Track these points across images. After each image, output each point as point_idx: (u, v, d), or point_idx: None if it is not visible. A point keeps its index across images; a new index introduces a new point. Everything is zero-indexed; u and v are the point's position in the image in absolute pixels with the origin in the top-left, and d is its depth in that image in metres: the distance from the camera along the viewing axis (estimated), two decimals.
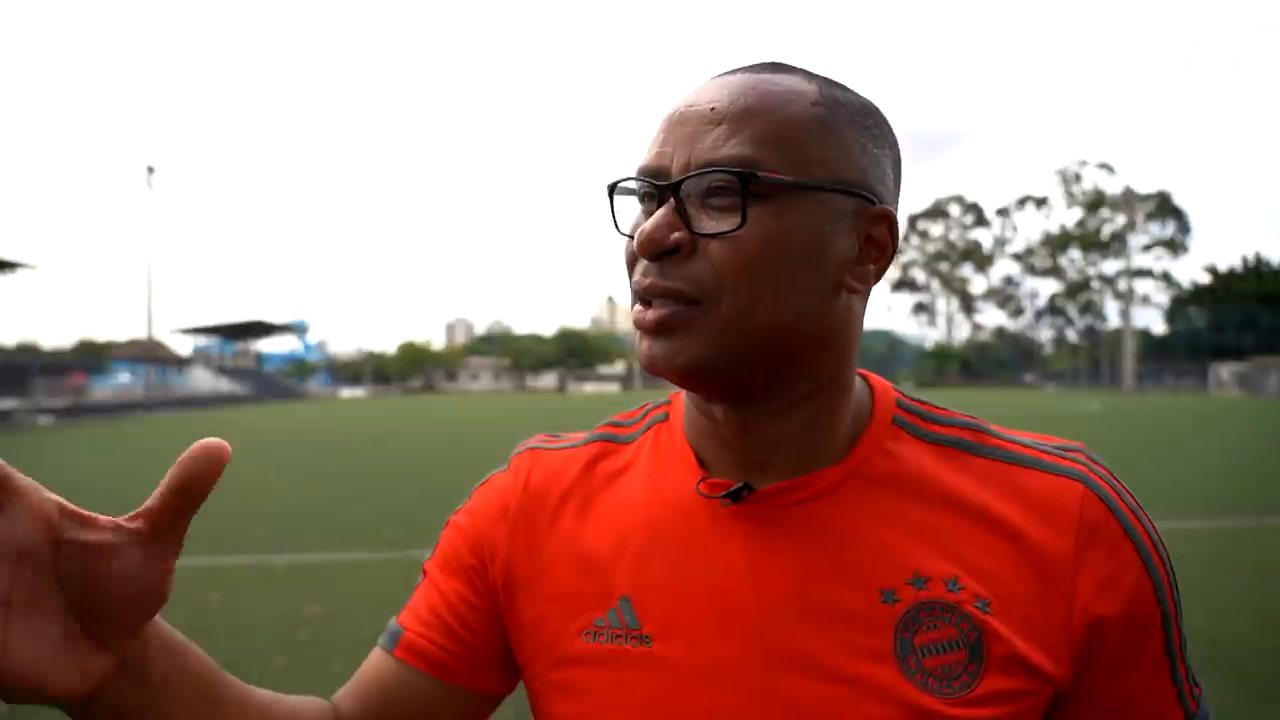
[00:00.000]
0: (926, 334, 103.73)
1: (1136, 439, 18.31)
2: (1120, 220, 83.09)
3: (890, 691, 0.59)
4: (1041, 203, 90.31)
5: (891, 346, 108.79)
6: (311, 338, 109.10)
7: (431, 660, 0.74)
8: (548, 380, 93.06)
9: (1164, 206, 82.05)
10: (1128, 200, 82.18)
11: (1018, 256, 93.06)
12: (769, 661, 0.62)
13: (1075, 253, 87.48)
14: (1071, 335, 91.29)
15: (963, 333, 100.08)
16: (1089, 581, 0.61)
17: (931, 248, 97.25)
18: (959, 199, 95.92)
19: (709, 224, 0.60)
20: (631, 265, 0.64)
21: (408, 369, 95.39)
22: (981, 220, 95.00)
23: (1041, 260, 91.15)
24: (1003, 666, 0.60)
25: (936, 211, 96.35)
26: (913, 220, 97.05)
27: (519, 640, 0.73)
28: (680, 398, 0.74)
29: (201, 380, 56.36)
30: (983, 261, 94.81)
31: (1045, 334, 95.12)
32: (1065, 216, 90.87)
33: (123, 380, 47.88)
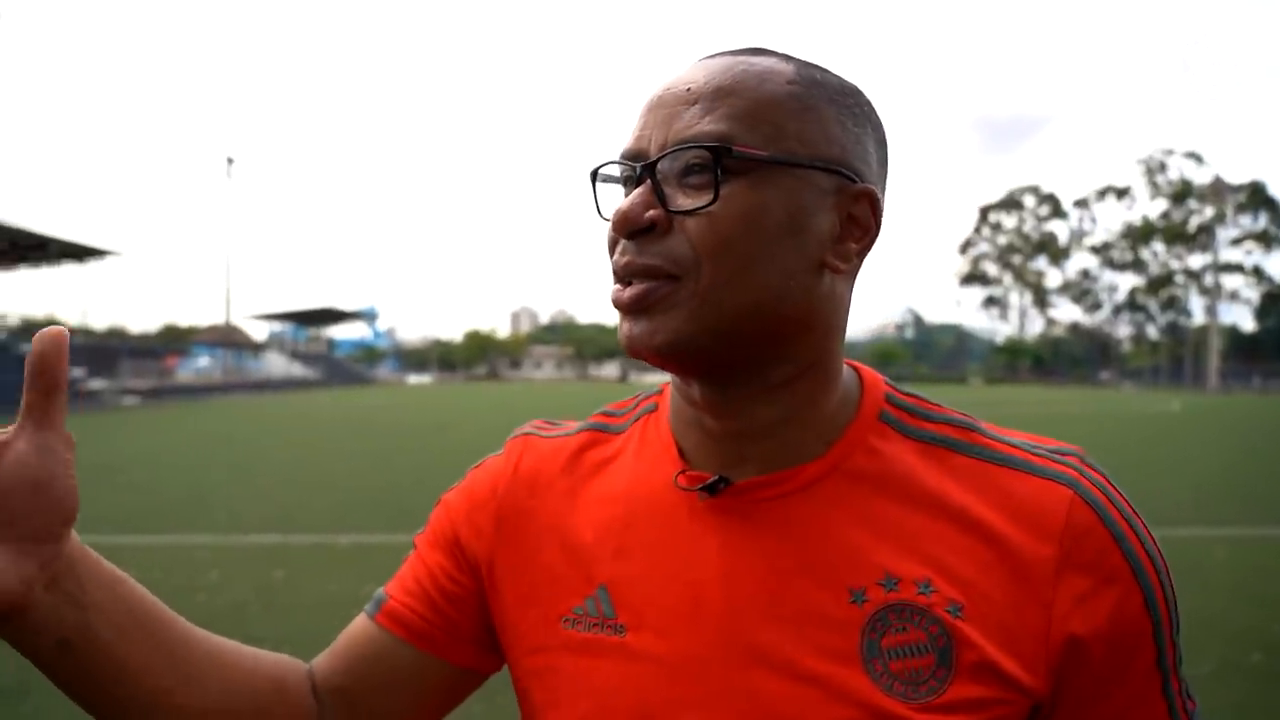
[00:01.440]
0: (997, 328, 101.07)
1: (1216, 441, 17.53)
2: (1208, 212, 79.38)
3: (854, 693, 0.58)
4: (1123, 193, 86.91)
5: (960, 340, 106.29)
6: (381, 325, 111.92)
7: (412, 628, 0.74)
8: (610, 370, 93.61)
9: (1256, 197, 78.08)
10: (1217, 191, 78.42)
11: (1096, 249, 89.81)
12: (736, 657, 0.62)
13: (1158, 246, 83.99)
14: (1152, 332, 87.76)
15: (1036, 327, 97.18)
16: (1071, 591, 0.59)
17: (1004, 240, 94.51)
18: (1034, 189, 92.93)
19: (684, 201, 0.60)
20: (612, 249, 0.64)
21: (473, 357, 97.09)
22: (1058, 211, 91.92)
23: (1121, 253, 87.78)
24: (973, 673, 0.58)
25: (1010, 203, 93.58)
26: (984, 212, 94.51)
27: (501, 624, 0.73)
28: (669, 389, 0.74)
29: (275, 365, 58.31)
30: (1058, 254, 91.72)
31: (1124, 330, 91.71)
32: (1148, 208, 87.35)
33: (202, 364, 49.84)
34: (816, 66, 0.65)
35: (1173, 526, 7.96)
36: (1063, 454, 0.65)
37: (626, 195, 0.64)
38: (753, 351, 0.62)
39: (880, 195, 0.64)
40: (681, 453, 0.69)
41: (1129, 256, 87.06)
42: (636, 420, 0.76)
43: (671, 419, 0.71)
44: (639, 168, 0.62)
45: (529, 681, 0.70)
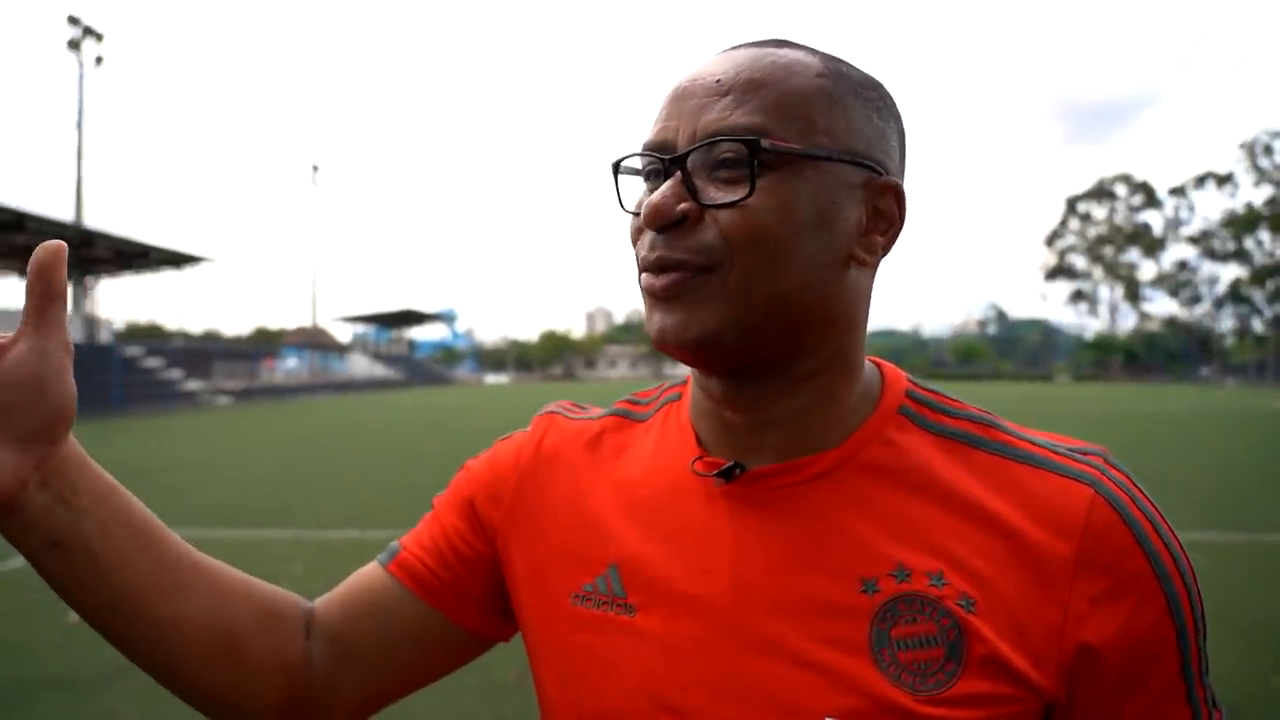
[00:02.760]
0: (1085, 323, 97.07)
1: None
2: None
3: (860, 682, 0.58)
4: (1224, 180, 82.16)
5: (1046, 336, 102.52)
6: (460, 326, 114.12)
7: (422, 581, 0.75)
8: (684, 369, 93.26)
9: None
10: None
11: (1194, 240, 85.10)
12: (743, 642, 0.62)
13: (1264, 234, 79.01)
14: (1258, 326, 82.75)
15: (1128, 323, 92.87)
16: (1088, 591, 0.58)
17: (1093, 231, 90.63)
18: (1126, 178, 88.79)
19: (716, 194, 0.59)
20: (636, 240, 0.64)
21: (549, 356, 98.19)
22: (1152, 201, 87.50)
23: (1222, 243, 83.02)
24: (982, 668, 0.57)
25: (1099, 192, 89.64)
26: (1072, 203, 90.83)
27: (515, 596, 0.75)
28: (692, 378, 0.74)
29: (359, 365, 60.01)
30: (1152, 245, 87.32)
31: (1226, 324, 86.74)
32: (1252, 194, 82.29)
33: (290, 365, 51.73)
34: (840, 59, 0.64)
35: (1275, 531, 7.51)
36: (1085, 453, 0.63)
37: (649, 187, 0.63)
38: (778, 345, 0.62)
39: (904, 189, 0.65)
40: (700, 440, 0.69)
41: (1231, 246, 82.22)
42: (660, 409, 0.77)
43: (691, 407, 0.72)
44: (667, 160, 0.61)
45: (538, 655, 0.72)
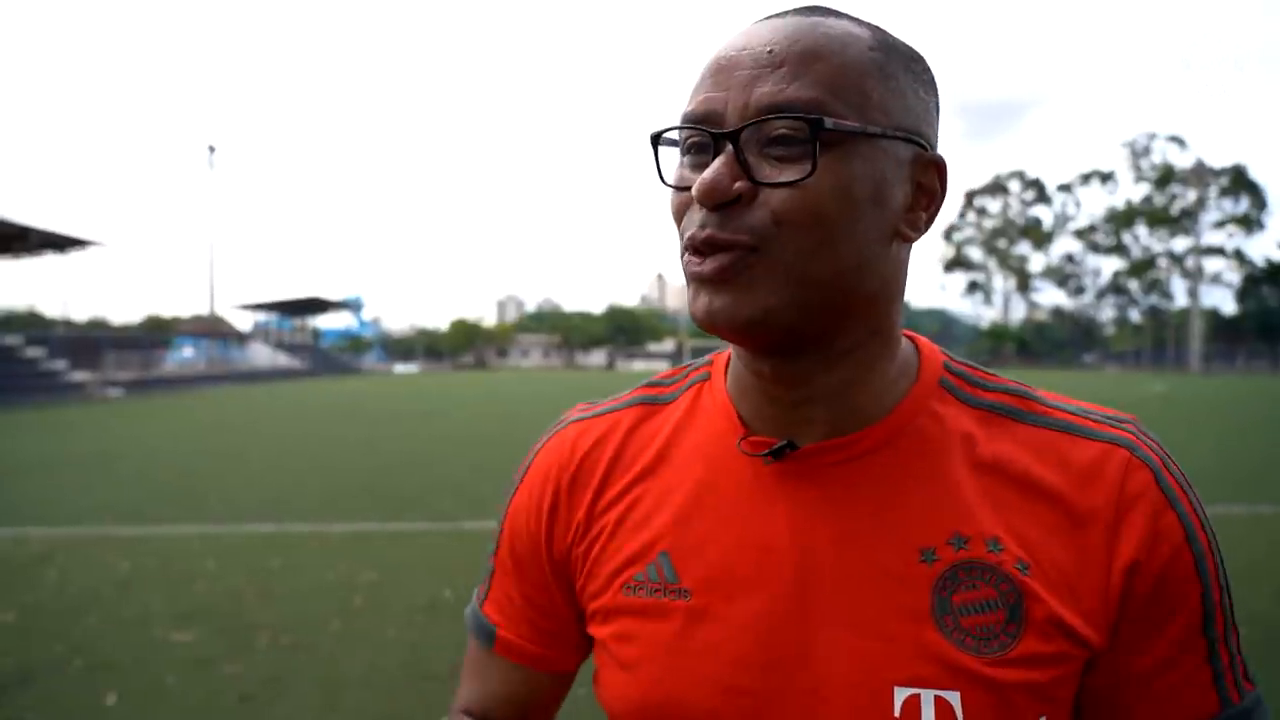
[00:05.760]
0: (982, 313, 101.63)
1: (1206, 420, 17.71)
2: (1191, 195, 79.89)
3: (927, 649, 0.60)
4: (1107, 178, 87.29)
5: (945, 326, 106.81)
6: (366, 315, 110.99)
7: (528, 654, 0.78)
8: (597, 357, 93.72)
9: (1239, 181, 78.62)
10: (1199, 175, 78.92)
11: (1080, 234, 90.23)
12: (807, 616, 0.63)
13: (1142, 229, 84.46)
14: (1135, 315, 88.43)
15: (1019, 312, 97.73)
16: (1127, 547, 0.60)
17: (989, 225, 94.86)
18: (1019, 174, 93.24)
19: (771, 173, 0.58)
20: (680, 216, 0.62)
21: (459, 345, 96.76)
22: (1043, 197, 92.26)
23: (1105, 237, 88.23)
24: (1042, 630, 0.59)
25: (995, 188, 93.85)
26: (970, 197, 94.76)
27: (582, 602, 0.75)
28: (722, 357, 0.74)
29: (261, 355, 57.78)
30: (1042, 239, 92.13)
31: (1107, 314, 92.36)
32: (1132, 192, 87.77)
33: (186, 355, 49.39)
34: (885, 30, 0.63)
35: None
36: (1119, 420, 0.66)
37: (691, 161, 0.62)
38: (826, 322, 0.61)
39: (945, 162, 0.64)
40: (742, 419, 0.69)
41: (1112, 240, 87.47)
42: (688, 389, 0.76)
43: (730, 386, 0.71)
44: (718, 136, 0.58)
45: (599, 648, 0.72)
